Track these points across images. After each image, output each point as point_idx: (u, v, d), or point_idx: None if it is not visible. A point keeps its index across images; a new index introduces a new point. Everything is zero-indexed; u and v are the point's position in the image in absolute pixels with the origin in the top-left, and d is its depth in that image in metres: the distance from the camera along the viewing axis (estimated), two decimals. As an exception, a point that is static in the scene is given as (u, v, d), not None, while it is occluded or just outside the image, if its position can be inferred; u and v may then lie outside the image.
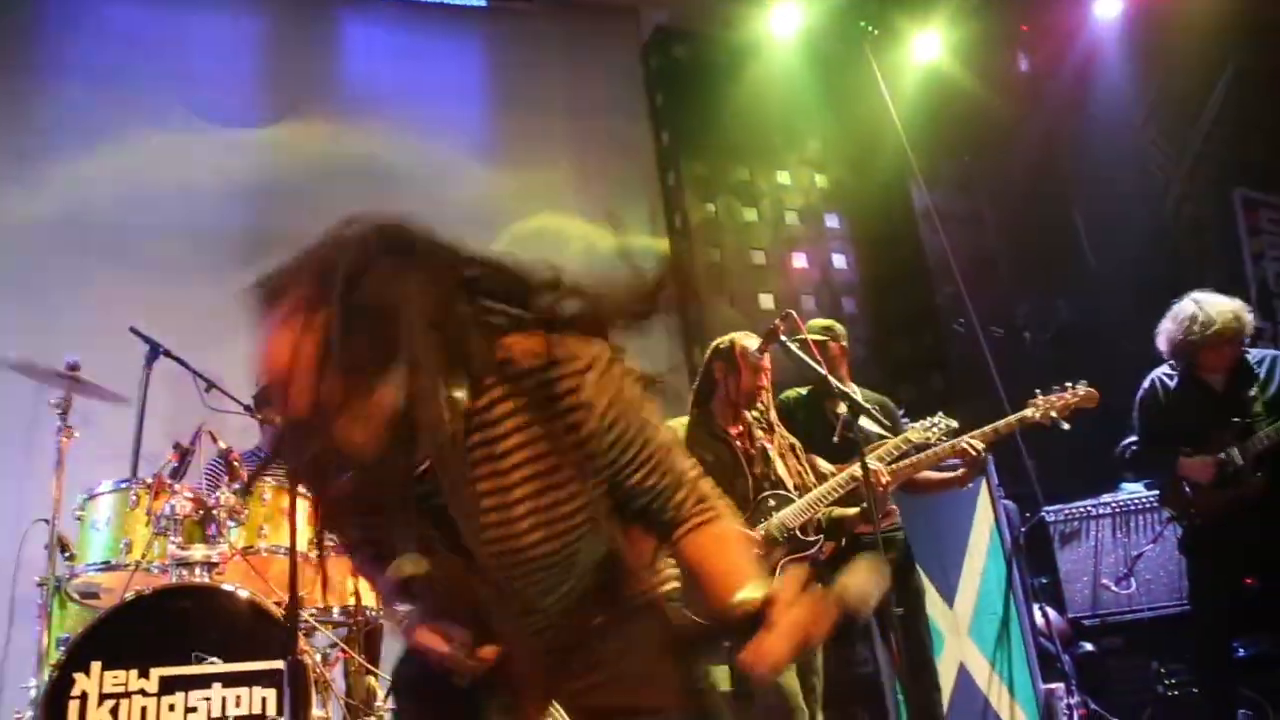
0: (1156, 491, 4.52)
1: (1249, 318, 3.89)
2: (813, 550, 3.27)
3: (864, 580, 1.28)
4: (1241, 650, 4.18)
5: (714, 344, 3.50)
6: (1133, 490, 5.04)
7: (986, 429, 3.64)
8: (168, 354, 3.82)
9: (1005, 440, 3.79)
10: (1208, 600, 3.89)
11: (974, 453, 3.56)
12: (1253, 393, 3.84)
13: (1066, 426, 3.63)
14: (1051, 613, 4.83)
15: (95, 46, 5.35)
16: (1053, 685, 4.44)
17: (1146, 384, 4.08)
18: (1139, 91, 6.55)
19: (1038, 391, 3.70)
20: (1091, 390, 3.66)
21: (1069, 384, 3.69)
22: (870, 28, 6.46)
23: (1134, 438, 4.10)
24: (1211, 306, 3.85)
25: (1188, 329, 3.87)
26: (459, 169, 5.88)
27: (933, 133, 6.28)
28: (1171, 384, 4.00)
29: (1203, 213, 6.59)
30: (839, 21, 6.32)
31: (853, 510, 3.45)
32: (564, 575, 1.44)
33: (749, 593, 1.31)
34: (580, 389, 1.34)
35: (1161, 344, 4.01)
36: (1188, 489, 3.88)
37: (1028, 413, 3.66)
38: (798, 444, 3.52)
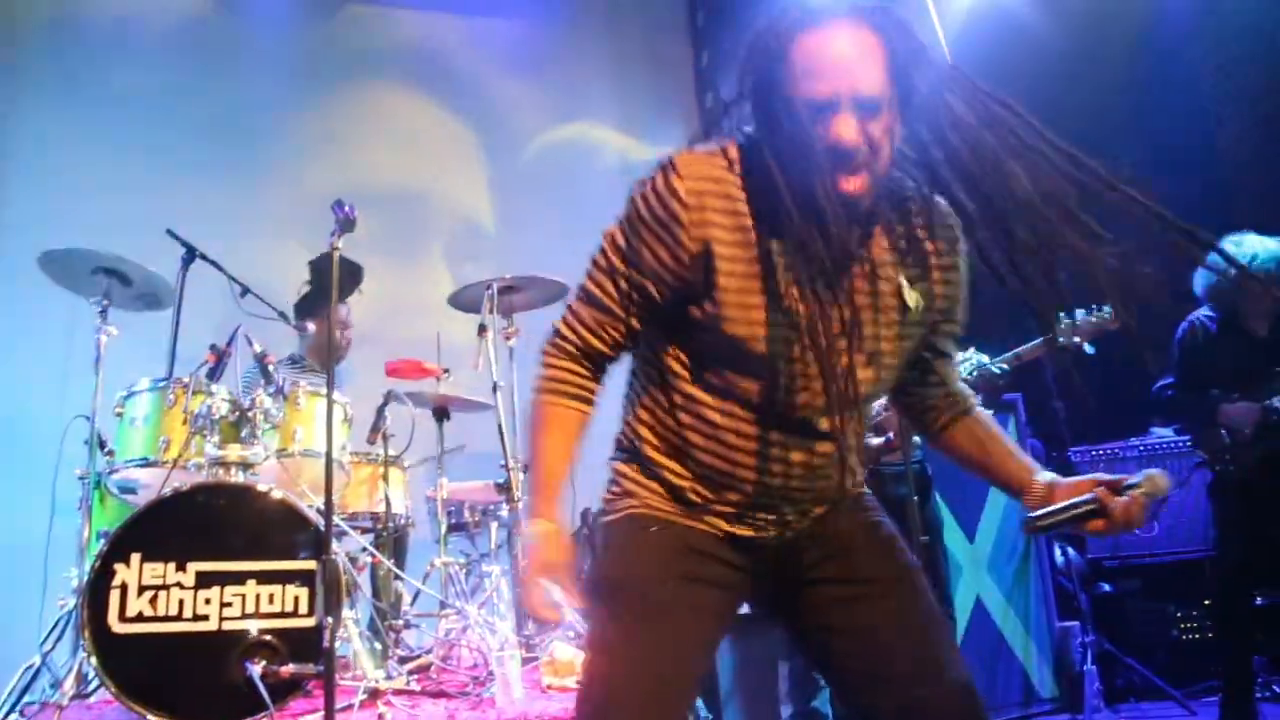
0: (1188, 436, 4.48)
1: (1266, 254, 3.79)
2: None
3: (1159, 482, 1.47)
4: (1260, 599, 4.18)
5: None
6: (1161, 434, 5.00)
7: (1008, 355, 3.59)
8: (204, 257, 3.84)
9: (1028, 367, 3.72)
10: (1232, 547, 3.87)
11: (996, 373, 3.50)
12: None
13: (1091, 350, 3.56)
14: (1072, 552, 4.86)
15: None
16: (1069, 623, 4.49)
17: (1185, 325, 4.00)
18: (1200, 26, 6.32)
19: (1061, 315, 3.62)
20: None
21: (1095, 306, 3.61)
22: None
23: (1169, 379, 4.04)
24: (1249, 250, 3.76)
25: (1224, 274, 3.79)
26: (499, 77, 5.79)
27: (987, 68, 6.09)
28: (1213, 327, 3.93)
29: (1262, 152, 6.41)
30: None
31: (878, 440, 3.45)
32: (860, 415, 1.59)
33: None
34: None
35: (1198, 289, 3.93)
36: (1225, 435, 3.84)
37: (1052, 336, 3.58)
38: None
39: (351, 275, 4.15)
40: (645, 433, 1.57)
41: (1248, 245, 3.76)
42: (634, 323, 1.52)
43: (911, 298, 1.51)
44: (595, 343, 1.55)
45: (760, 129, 1.41)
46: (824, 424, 1.48)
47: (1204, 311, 3.98)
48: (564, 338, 1.57)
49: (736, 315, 1.42)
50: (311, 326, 4.10)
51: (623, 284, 1.50)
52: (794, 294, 1.39)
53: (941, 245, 1.55)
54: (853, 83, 1.33)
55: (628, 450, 1.60)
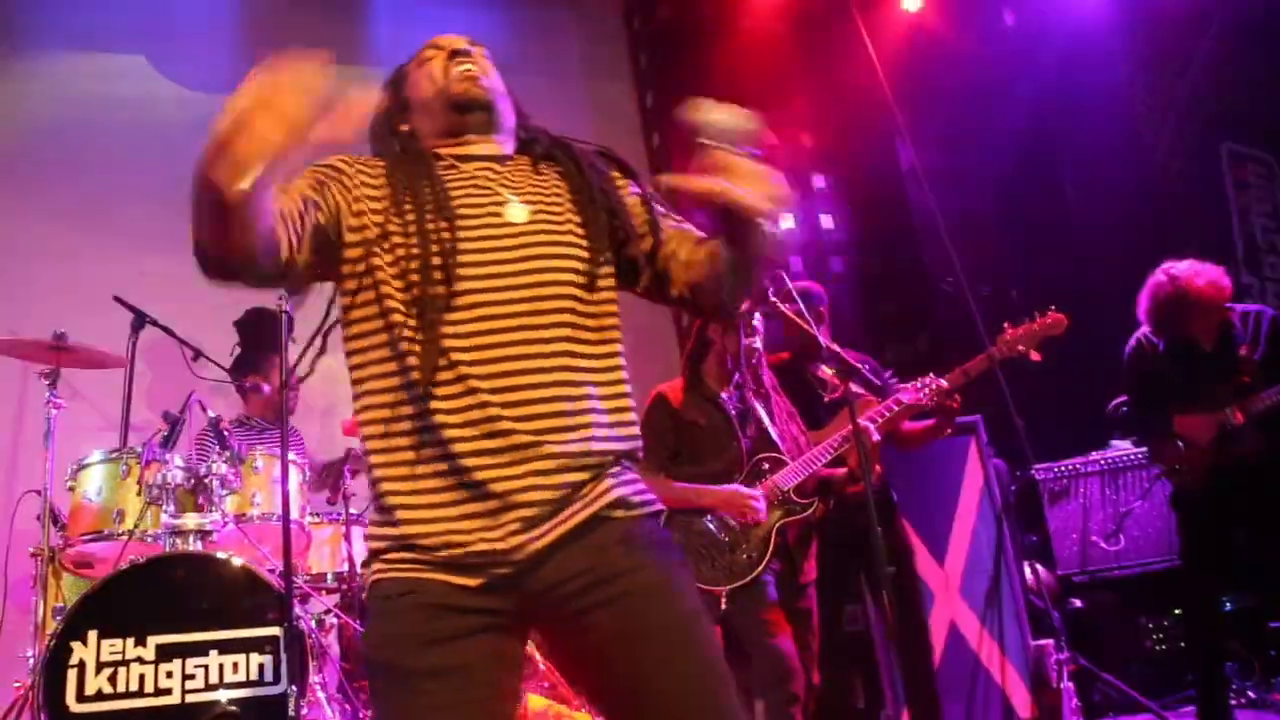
0: (1145, 449, 4.54)
1: (1227, 282, 3.88)
2: (808, 513, 3.29)
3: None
4: (1228, 604, 4.24)
5: None
6: (1121, 448, 5.07)
7: (955, 371, 3.59)
8: (153, 323, 3.80)
9: (983, 384, 3.73)
10: (1197, 556, 3.92)
11: (939, 391, 3.50)
12: (1243, 351, 3.85)
13: (1037, 357, 3.56)
14: (1041, 570, 4.89)
15: (73, 9, 5.26)
16: (1043, 641, 4.50)
17: (1132, 343, 4.06)
18: (1126, 46, 6.51)
19: (1005, 325, 3.64)
20: (1058, 315, 3.56)
21: (1037, 313, 3.63)
22: (855, -17, 6.38)
23: (1124, 397, 4.11)
24: (1184, 279, 3.83)
25: (1163, 303, 3.88)
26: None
27: (918, 88, 6.24)
28: (1160, 344, 3.99)
29: (1190, 168, 6.59)
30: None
31: (841, 470, 3.47)
32: None
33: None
34: None
35: (1143, 318, 4.01)
36: (1182, 446, 3.89)
37: (994, 349, 3.58)
38: (794, 410, 3.52)
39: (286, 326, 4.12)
40: (367, 456, 1.51)
41: (1180, 278, 3.86)
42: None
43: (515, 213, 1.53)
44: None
45: None
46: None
47: (1145, 330, 4.05)
48: None
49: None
50: (266, 386, 4.06)
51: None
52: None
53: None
54: None
55: (372, 495, 1.53)
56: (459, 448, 1.41)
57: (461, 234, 1.47)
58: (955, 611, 4.48)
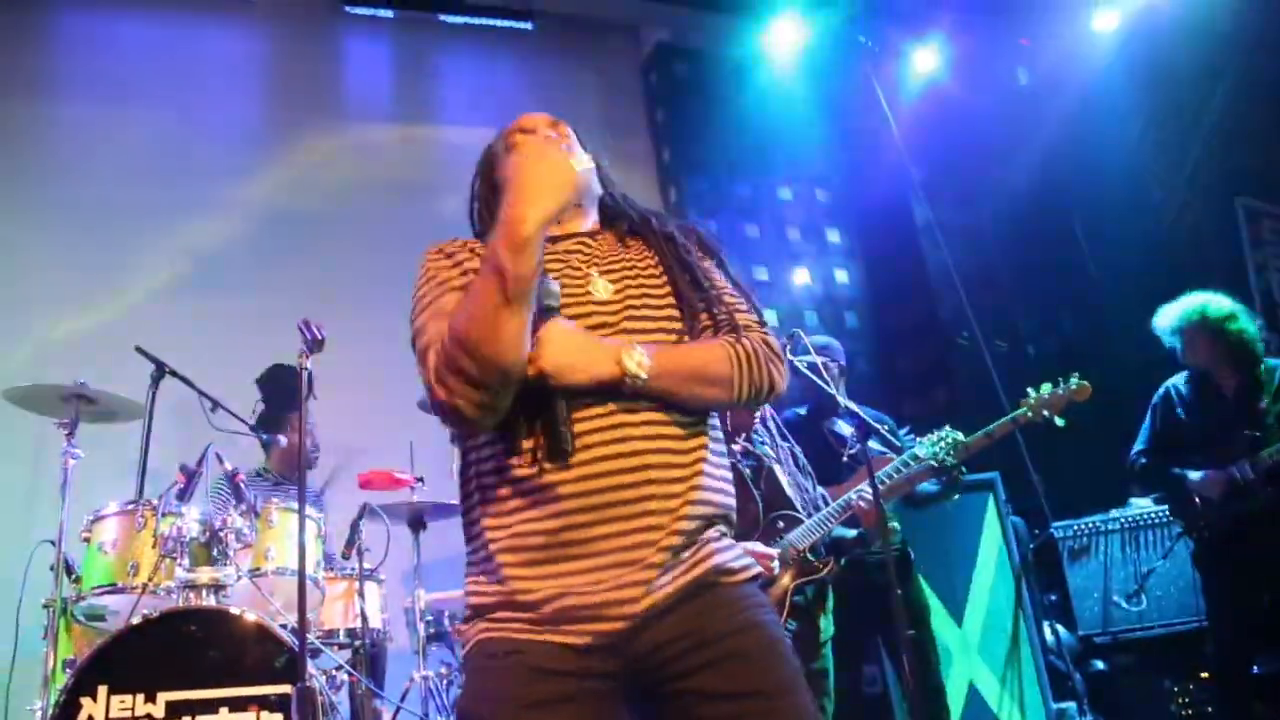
0: (1165, 505, 4.49)
1: (1227, 310, 3.88)
2: (822, 573, 3.26)
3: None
4: (1257, 668, 4.14)
5: None
6: (1142, 505, 5.00)
7: (979, 434, 3.57)
8: (173, 373, 3.81)
9: (1002, 442, 3.71)
10: (1224, 616, 3.85)
11: (955, 446, 3.48)
12: (1263, 404, 3.83)
13: (1061, 423, 3.56)
14: (1062, 630, 4.81)
15: (99, 58, 5.37)
16: (1064, 704, 4.42)
17: (1162, 390, 4.08)
18: (1138, 103, 6.56)
19: (1029, 390, 3.64)
20: (1084, 383, 3.57)
21: (1060, 379, 3.64)
22: (869, 43, 6.48)
23: (1141, 445, 4.06)
24: (1183, 304, 3.93)
25: (1171, 324, 3.93)
26: (461, 184, 5.87)
27: (932, 146, 6.29)
28: (1185, 392, 3.98)
29: (1204, 223, 6.59)
30: (838, 37, 6.34)
31: (851, 532, 3.44)
32: None
33: None
34: None
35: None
36: (1198, 502, 3.86)
37: (1020, 412, 3.59)
38: (804, 460, 3.50)
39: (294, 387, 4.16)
40: (471, 515, 1.56)
41: (1187, 303, 3.89)
42: None
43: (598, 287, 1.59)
44: None
45: None
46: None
47: (1179, 378, 4.04)
48: None
49: None
50: (283, 439, 4.06)
51: None
52: None
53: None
54: None
55: (471, 552, 1.57)
56: (568, 505, 1.44)
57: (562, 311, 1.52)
58: (974, 672, 4.41)
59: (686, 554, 1.48)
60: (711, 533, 1.53)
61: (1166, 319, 4.03)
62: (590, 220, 1.73)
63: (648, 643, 1.43)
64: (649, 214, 1.76)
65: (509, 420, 1.48)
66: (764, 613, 1.52)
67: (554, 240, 1.63)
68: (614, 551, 1.43)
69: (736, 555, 1.54)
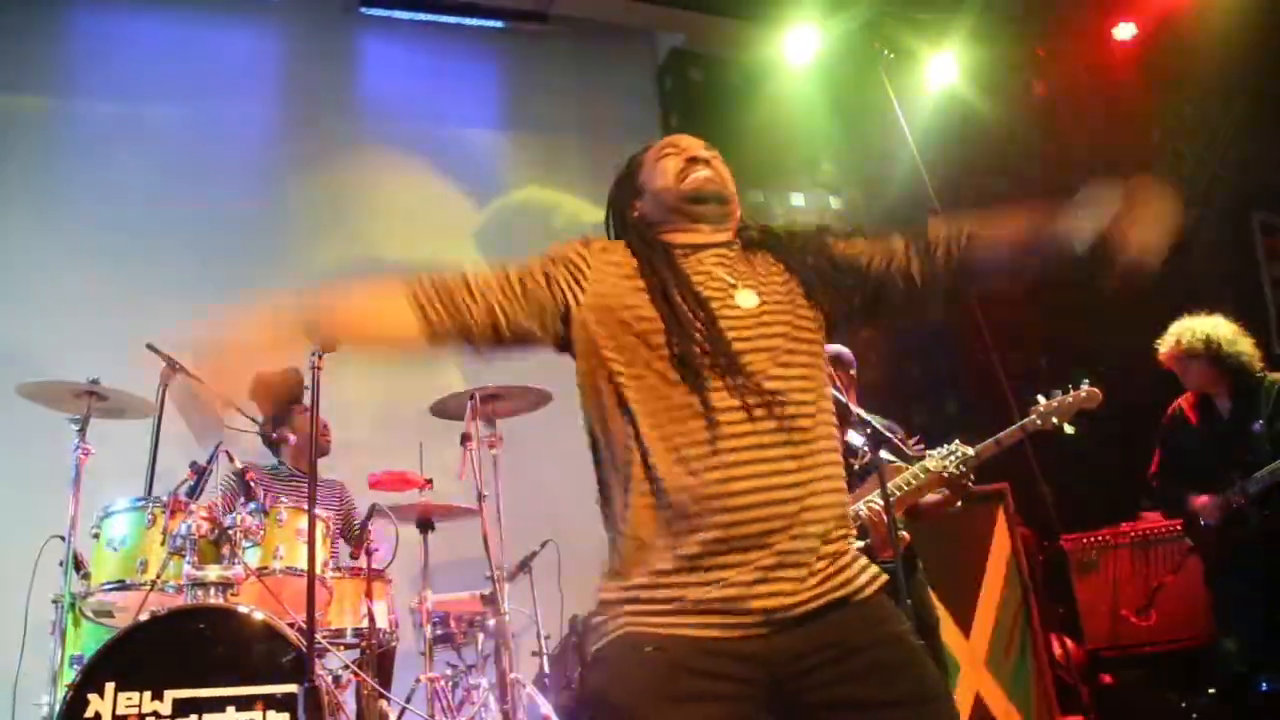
0: (1176, 521, 4.48)
1: (1220, 334, 3.86)
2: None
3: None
4: (1265, 685, 4.12)
5: None
6: (1152, 519, 4.99)
7: (988, 441, 3.55)
8: (184, 370, 3.81)
9: (1012, 454, 3.69)
10: (1233, 633, 3.85)
11: (965, 459, 3.47)
12: (1256, 426, 3.82)
13: (1070, 430, 3.53)
14: (1070, 643, 4.78)
15: (114, 60, 5.39)
16: (1071, 718, 4.39)
17: (1170, 409, 4.08)
18: (1155, 114, 6.54)
19: (1039, 397, 3.63)
20: (1094, 390, 3.53)
21: (1071, 387, 3.62)
22: (885, 51, 6.46)
23: (1154, 466, 4.09)
24: (1179, 326, 3.95)
25: (1163, 345, 3.95)
26: (473, 187, 5.89)
27: (948, 156, 6.27)
28: (1188, 413, 3.99)
29: (1220, 237, 6.56)
30: (854, 44, 6.32)
31: (860, 544, 3.42)
32: None
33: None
34: None
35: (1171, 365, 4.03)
36: (1201, 524, 3.87)
37: (1029, 419, 3.56)
38: None
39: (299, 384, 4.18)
40: (615, 511, 1.59)
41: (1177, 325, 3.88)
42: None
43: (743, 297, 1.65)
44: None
45: None
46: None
47: (1186, 397, 4.04)
48: None
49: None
50: (292, 437, 4.07)
51: None
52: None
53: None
54: None
55: (611, 557, 1.58)
56: (732, 502, 1.48)
57: (715, 320, 1.59)
58: (981, 683, 4.38)
59: (836, 561, 1.53)
60: (850, 543, 1.58)
61: (1165, 346, 4.02)
62: (728, 230, 1.78)
63: (788, 651, 1.46)
64: (767, 226, 1.83)
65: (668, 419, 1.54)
66: (901, 623, 1.57)
67: (694, 249, 1.70)
68: (772, 549, 1.47)
69: (867, 567, 1.59)
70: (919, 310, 1.81)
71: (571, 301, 1.65)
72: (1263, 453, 3.75)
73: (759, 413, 1.53)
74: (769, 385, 1.55)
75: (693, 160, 1.78)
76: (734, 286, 1.65)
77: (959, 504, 3.65)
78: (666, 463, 1.51)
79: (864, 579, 1.55)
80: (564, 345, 1.69)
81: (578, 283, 1.67)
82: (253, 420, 3.83)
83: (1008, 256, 1.76)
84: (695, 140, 1.84)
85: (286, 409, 4.06)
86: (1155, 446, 4.10)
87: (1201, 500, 3.83)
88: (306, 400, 4.33)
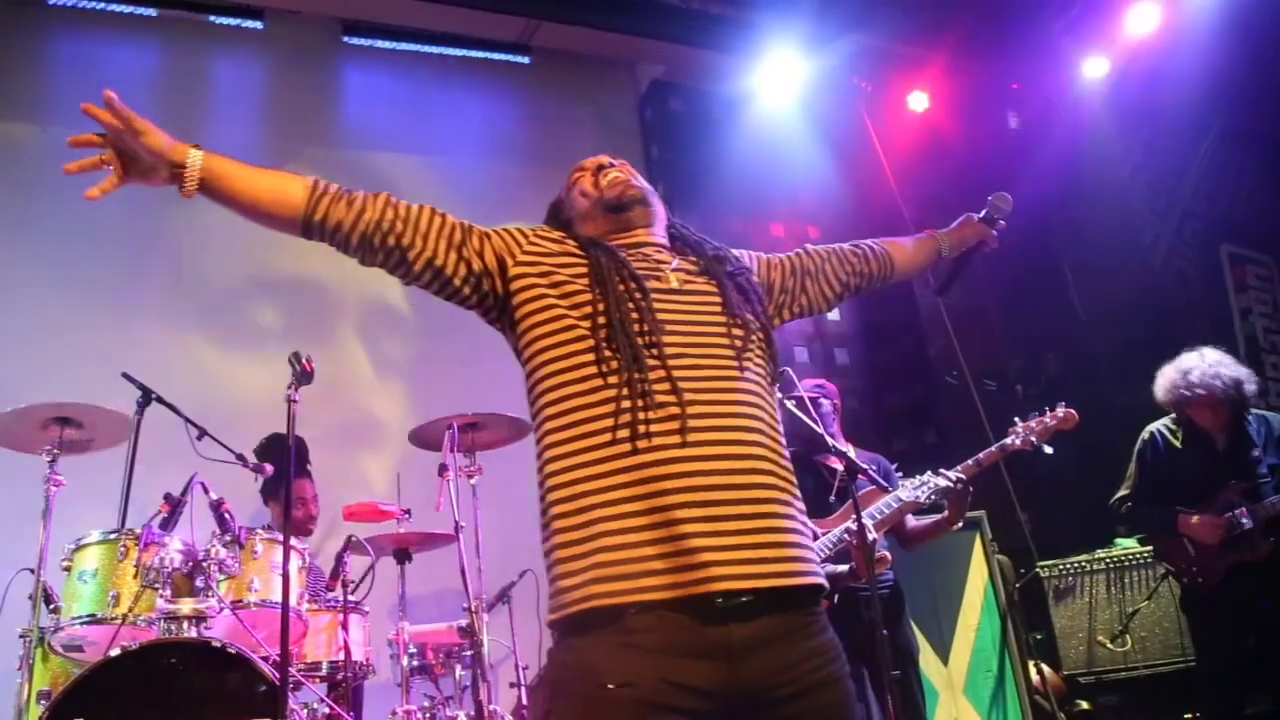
0: (1151, 547, 4.49)
1: (1252, 388, 3.88)
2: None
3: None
4: (1249, 710, 4.14)
5: None
6: (1127, 545, 5.02)
7: (968, 461, 3.60)
8: (160, 400, 3.79)
9: (989, 479, 3.74)
10: (1214, 659, 3.85)
11: (952, 484, 3.49)
12: (1255, 453, 3.85)
13: (1049, 450, 3.60)
14: (1047, 669, 4.80)
15: (98, 83, 5.37)
16: (1049, 745, 4.40)
17: (1147, 435, 4.07)
18: (1126, 149, 6.65)
19: (1016, 419, 3.68)
20: (1070, 411, 3.61)
21: (1048, 409, 3.67)
22: (863, 84, 6.55)
23: (1125, 492, 4.07)
24: (1210, 370, 3.86)
25: (1181, 382, 3.90)
26: (455, 217, 5.88)
27: (924, 186, 6.35)
28: (1174, 438, 3.99)
29: (1190, 268, 6.67)
30: (832, 77, 6.41)
31: (843, 567, 3.43)
32: None
33: None
34: None
35: (1158, 390, 4.02)
36: (1190, 547, 3.86)
37: (1008, 440, 3.61)
38: None
39: (300, 452, 4.20)
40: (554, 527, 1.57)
41: (1207, 367, 3.88)
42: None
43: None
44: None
45: None
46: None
47: (1164, 422, 4.05)
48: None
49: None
50: (270, 468, 4.04)
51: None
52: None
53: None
54: None
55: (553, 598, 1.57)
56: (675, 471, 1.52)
57: (653, 298, 1.65)
58: (959, 710, 4.39)
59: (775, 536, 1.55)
60: (801, 522, 1.62)
61: (1191, 390, 3.90)
62: (661, 231, 1.86)
63: (752, 677, 1.47)
64: (699, 237, 1.91)
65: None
66: (845, 665, 1.59)
67: (632, 246, 1.77)
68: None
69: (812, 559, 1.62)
70: (818, 311, 2.05)
71: (508, 259, 1.72)
72: (1263, 480, 3.79)
73: (686, 386, 1.56)
74: (697, 359, 1.60)
75: (600, 169, 1.89)
76: (665, 265, 1.74)
77: (958, 525, 3.68)
78: (595, 437, 1.54)
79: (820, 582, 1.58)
80: (486, 298, 1.73)
81: (518, 244, 1.74)
82: (235, 455, 3.81)
83: (912, 269, 2.16)
84: (597, 156, 1.94)
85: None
86: (1133, 469, 4.09)
87: (1198, 520, 3.82)
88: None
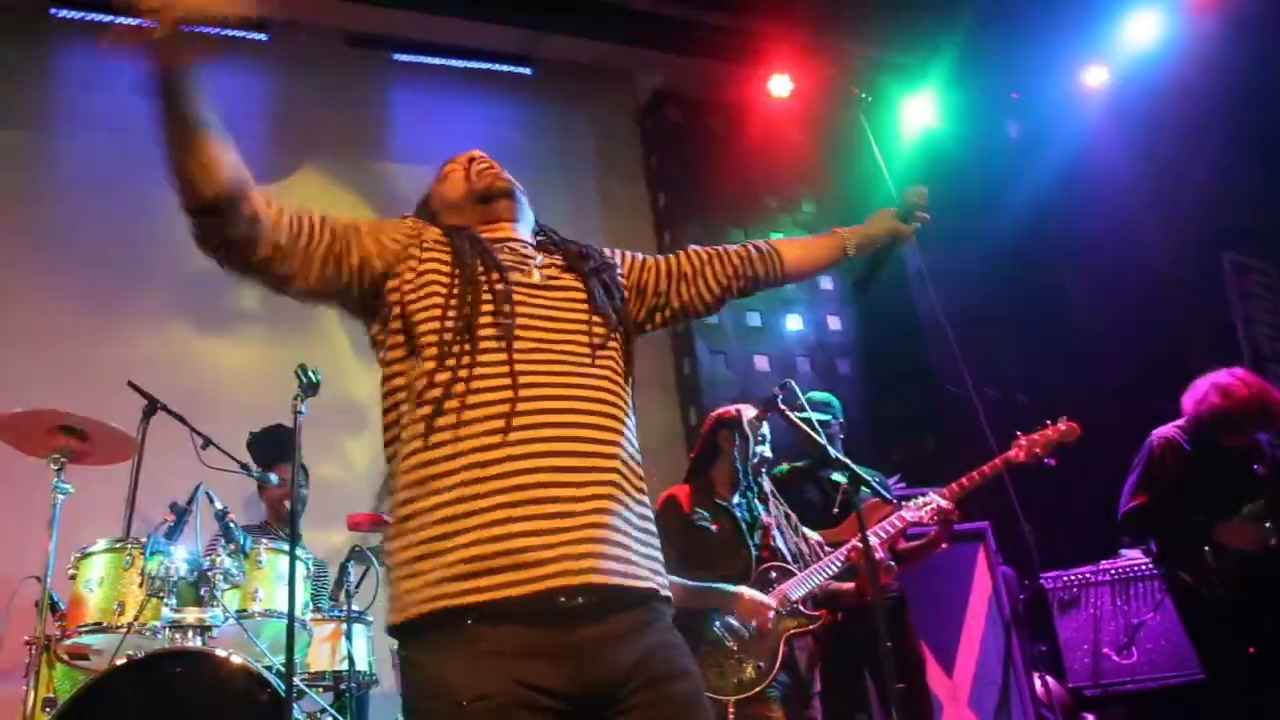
0: (1161, 557, 4.41)
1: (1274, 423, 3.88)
2: (815, 625, 3.25)
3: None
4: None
5: (719, 413, 3.51)
6: (1131, 557, 5.01)
7: (972, 473, 3.63)
8: (165, 409, 3.80)
9: (992, 491, 3.75)
10: (1230, 672, 3.82)
11: (938, 511, 3.51)
12: (1260, 469, 3.86)
13: (1052, 463, 3.63)
14: (1052, 682, 4.78)
15: (103, 95, 5.40)
16: (1054, 756, 4.39)
17: (1157, 441, 4.03)
18: (1128, 157, 6.66)
19: (1018, 433, 3.70)
20: (1072, 424, 3.65)
21: (1050, 421, 3.68)
22: (863, 93, 6.57)
23: (1136, 500, 4.01)
24: (1235, 402, 3.85)
25: (1205, 414, 3.88)
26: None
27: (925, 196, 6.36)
28: (1186, 445, 3.96)
29: (1193, 276, 6.66)
30: (832, 87, 6.43)
31: (848, 585, 3.44)
32: None
33: None
34: None
35: (1188, 404, 4.00)
36: (1211, 557, 3.82)
37: (1011, 453, 3.65)
38: (792, 515, 3.51)
39: (281, 441, 4.25)
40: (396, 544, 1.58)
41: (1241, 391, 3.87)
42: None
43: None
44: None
45: None
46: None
47: (1176, 427, 4.02)
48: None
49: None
50: (275, 478, 4.05)
51: None
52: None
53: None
54: None
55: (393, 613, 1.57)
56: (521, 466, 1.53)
57: (509, 286, 1.66)
58: (964, 723, 4.37)
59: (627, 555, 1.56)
60: (635, 525, 1.61)
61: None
62: (527, 231, 1.87)
63: (603, 672, 1.48)
64: (569, 241, 1.89)
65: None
66: (694, 663, 1.62)
67: (496, 241, 1.77)
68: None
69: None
70: (696, 314, 1.99)
71: (392, 259, 1.69)
72: (1271, 494, 3.81)
73: (527, 380, 1.56)
74: (551, 355, 1.61)
75: (471, 161, 1.91)
76: (529, 260, 1.75)
77: (945, 545, 3.69)
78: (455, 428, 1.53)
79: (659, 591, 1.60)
80: (361, 296, 1.70)
81: (406, 249, 1.70)
82: (239, 464, 3.83)
83: (807, 268, 2.10)
84: (469, 152, 1.95)
85: (268, 464, 4.09)
86: (1141, 476, 4.05)
87: (1239, 529, 3.78)
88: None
